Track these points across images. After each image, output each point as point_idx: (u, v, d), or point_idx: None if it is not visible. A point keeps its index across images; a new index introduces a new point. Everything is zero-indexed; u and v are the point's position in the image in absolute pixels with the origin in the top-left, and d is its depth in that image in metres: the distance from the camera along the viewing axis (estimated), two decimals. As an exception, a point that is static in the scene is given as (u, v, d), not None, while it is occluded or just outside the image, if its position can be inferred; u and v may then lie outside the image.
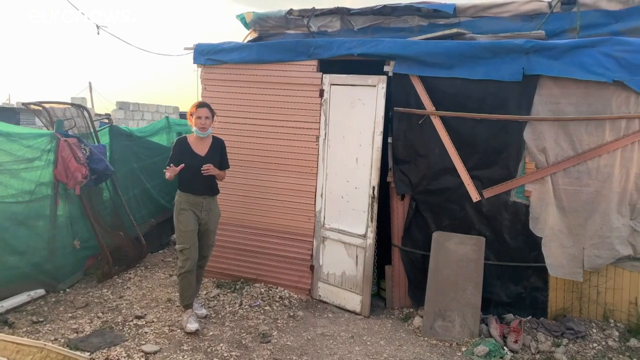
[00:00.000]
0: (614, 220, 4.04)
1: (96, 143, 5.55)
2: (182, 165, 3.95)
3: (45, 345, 1.81)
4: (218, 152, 4.21)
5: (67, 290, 4.80)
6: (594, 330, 4.08)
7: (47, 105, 5.35)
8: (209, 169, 3.96)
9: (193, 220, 4.05)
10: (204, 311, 4.34)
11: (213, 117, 4.15)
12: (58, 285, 4.74)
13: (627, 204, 4.04)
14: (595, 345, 3.92)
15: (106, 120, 7.52)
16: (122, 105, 10.29)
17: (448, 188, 4.42)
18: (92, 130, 5.66)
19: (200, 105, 4.10)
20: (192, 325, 3.95)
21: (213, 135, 4.25)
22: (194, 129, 4.08)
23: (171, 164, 4.00)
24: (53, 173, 4.71)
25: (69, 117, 5.42)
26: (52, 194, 4.75)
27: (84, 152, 4.93)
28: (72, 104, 5.86)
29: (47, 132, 4.82)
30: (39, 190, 4.67)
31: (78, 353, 1.87)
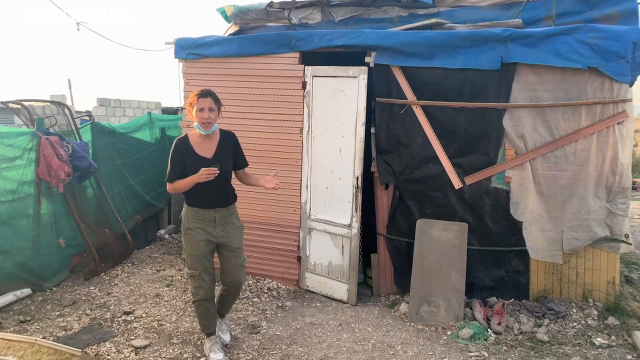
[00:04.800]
0: (591, 203, 4.16)
1: (78, 140, 5.50)
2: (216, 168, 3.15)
3: (36, 340, 1.82)
4: (229, 151, 3.39)
5: (54, 288, 4.78)
6: (574, 310, 4.21)
7: (26, 103, 5.29)
8: (213, 173, 3.12)
9: (202, 241, 3.31)
10: (227, 337, 3.65)
11: (219, 108, 3.31)
12: (44, 284, 4.72)
13: (604, 186, 4.16)
14: (575, 324, 4.05)
15: (87, 118, 7.44)
16: (103, 102, 10.15)
17: (431, 176, 4.49)
18: (73, 127, 5.61)
19: (203, 94, 3.21)
20: (217, 356, 3.41)
21: (221, 130, 3.42)
22: (195, 124, 3.25)
23: (174, 173, 3.27)
24: (35, 172, 4.67)
25: (49, 115, 5.37)
26: (35, 192, 4.71)
27: (66, 149, 4.89)
28: (52, 102, 5.79)
29: (27, 131, 4.77)
30: (22, 189, 4.63)
31: (69, 347, 1.89)
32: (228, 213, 3.40)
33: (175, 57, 5.16)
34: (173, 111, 10.35)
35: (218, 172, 3.13)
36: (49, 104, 5.77)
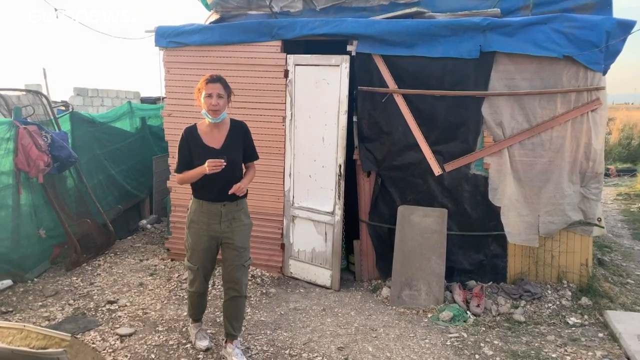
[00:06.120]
0: (566, 188, 4.31)
1: (57, 130, 5.42)
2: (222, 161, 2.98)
3: (25, 326, 1.83)
4: (239, 141, 3.21)
5: (35, 279, 4.73)
6: (549, 292, 4.36)
7: (2, 92, 5.19)
8: (219, 165, 2.96)
9: (205, 236, 3.18)
10: None
11: (229, 95, 3.15)
12: (25, 275, 4.68)
13: (578, 172, 4.31)
14: (550, 305, 4.21)
15: (63, 108, 7.31)
16: (80, 92, 9.95)
17: (412, 163, 4.57)
18: (51, 117, 5.52)
19: (212, 79, 3.04)
20: (202, 343, 3.42)
21: (232, 119, 3.26)
22: (203, 111, 3.10)
23: (182, 163, 3.14)
24: (14, 162, 4.60)
25: (26, 104, 5.27)
26: (14, 183, 4.65)
27: (45, 139, 4.83)
28: (28, 91, 5.68)
29: (4, 120, 4.69)
30: (0, 179, 4.56)
31: (59, 332, 1.91)
32: (236, 209, 3.19)
33: (156, 46, 5.11)
34: (152, 101, 10.22)
35: (225, 164, 2.97)
36: (25, 93, 5.67)
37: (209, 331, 3.72)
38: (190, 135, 3.15)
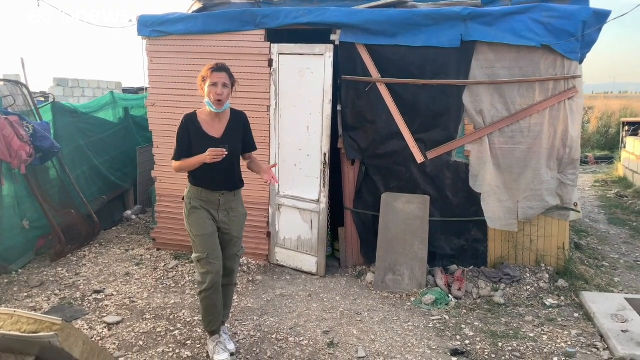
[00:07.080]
0: (544, 174, 4.43)
1: (38, 121, 5.36)
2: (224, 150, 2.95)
3: (15, 311, 1.86)
4: (239, 132, 3.19)
5: (20, 270, 4.72)
6: (528, 275, 4.50)
7: (-19, 82, 5.11)
8: (221, 154, 2.92)
9: (209, 220, 3.11)
10: (232, 346, 3.28)
11: (233, 85, 3.10)
12: (9, 266, 4.66)
13: (555, 158, 4.43)
14: (528, 287, 4.35)
15: (42, 99, 7.21)
16: (60, 82, 9.78)
17: (395, 151, 4.65)
18: (32, 107, 5.46)
19: (217, 68, 3.00)
20: (221, 357, 3.12)
21: (231, 109, 3.21)
22: (206, 100, 3.04)
23: (181, 150, 3.08)
24: (-5, 152, 4.56)
25: (6, 95, 5.20)
26: (-4, 174, 4.61)
27: (27, 130, 4.79)
28: (8, 81, 5.59)
29: (-15, 110, 4.63)
30: (-19, 170, 4.52)
31: (50, 317, 1.94)
32: (233, 198, 3.20)
33: (139, 35, 5.08)
34: (134, 91, 10.11)
35: (227, 153, 2.96)
36: (4, 83, 5.58)
37: (195, 318, 3.77)
38: (191, 123, 3.09)
